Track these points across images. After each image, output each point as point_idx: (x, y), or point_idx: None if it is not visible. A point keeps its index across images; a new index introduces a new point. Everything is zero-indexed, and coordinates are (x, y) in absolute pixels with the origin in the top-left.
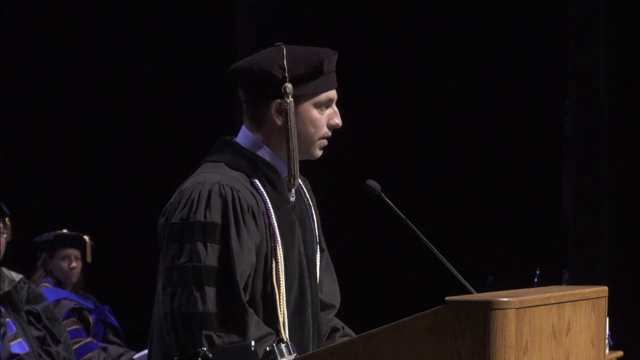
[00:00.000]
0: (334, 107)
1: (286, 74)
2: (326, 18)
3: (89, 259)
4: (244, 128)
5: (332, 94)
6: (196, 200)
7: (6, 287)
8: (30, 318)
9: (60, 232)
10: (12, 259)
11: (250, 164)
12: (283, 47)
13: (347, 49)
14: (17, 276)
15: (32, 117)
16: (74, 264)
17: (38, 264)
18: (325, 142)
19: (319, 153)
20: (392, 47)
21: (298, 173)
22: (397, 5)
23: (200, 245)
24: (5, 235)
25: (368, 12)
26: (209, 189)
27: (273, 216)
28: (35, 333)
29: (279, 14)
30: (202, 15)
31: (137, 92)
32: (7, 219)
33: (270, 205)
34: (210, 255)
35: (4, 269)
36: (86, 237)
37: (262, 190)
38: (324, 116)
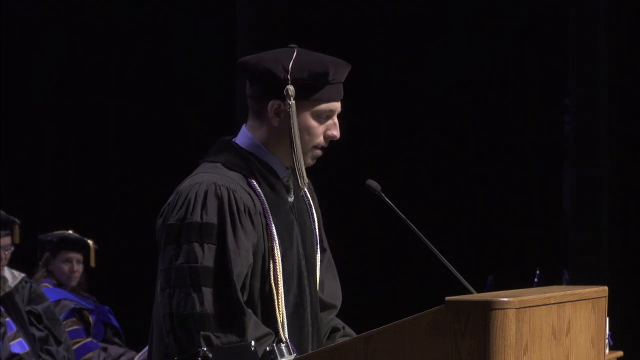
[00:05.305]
0: (335, 119)
1: (288, 76)
2: (326, 16)
3: (92, 263)
4: (244, 128)
5: (334, 105)
6: (192, 201)
7: (7, 289)
8: (31, 318)
9: (65, 233)
10: (15, 255)
11: (248, 164)
12: (295, 49)
13: (347, 48)
14: (19, 275)
15: (29, 116)
16: (75, 268)
17: (40, 263)
18: (319, 152)
19: (311, 162)
20: (393, 47)
21: (305, 173)
22: (398, 4)
23: (197, 246)
24: (11, 249)
25: (368, 11)
26: (205, 190)
27: (270, 216)
28: (37, 334)
29: (280, 14)
30: (202, 14)
31: (138, 93)
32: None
33: (267, 206)
34: (207, 256)
35: (6, 268)
36: (90, 242)
37: (259, 190)
38: (321, 126)
